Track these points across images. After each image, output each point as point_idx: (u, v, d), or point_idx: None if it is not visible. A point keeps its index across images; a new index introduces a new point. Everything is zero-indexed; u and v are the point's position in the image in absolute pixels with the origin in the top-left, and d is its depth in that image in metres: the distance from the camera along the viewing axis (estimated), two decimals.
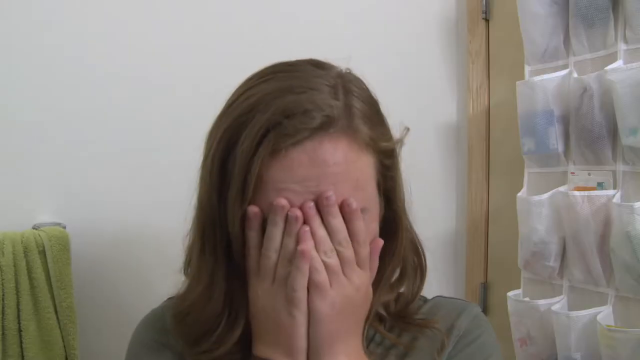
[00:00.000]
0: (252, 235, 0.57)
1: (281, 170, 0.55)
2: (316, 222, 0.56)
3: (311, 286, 0.55)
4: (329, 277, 0.56)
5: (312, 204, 0.55)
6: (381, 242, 0.62)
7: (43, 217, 1.06)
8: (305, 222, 0.55)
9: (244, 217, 0.57)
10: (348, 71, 0.63)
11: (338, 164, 0.55)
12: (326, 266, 0.56)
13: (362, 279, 0.58)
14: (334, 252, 0.57)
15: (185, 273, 0.68)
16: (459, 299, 0.74)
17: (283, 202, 0.55)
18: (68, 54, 1.08)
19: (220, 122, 0.59)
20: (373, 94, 0.63)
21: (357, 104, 0.59)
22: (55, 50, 1.07)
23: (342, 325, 0.57)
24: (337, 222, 0.56)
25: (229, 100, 0.61)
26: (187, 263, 0.68)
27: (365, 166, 0.59)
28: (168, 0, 1.17)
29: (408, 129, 0.65)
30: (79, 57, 1.09)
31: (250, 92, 0.58)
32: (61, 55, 1.07)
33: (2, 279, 0.95)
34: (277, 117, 0.54)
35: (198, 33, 1.19)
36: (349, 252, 0.57)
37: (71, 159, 1.09)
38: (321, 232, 0.56)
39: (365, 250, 0.59)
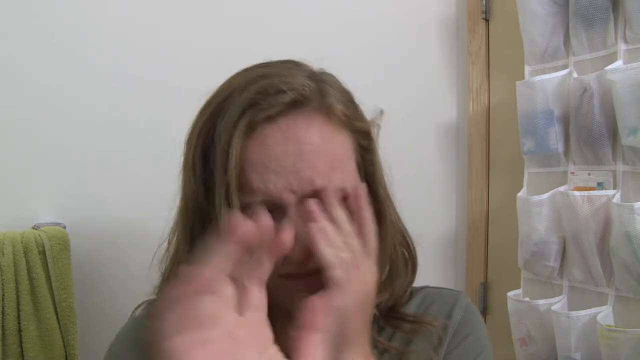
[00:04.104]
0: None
1: (257, 151, 0.54)
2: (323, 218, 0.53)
3: (330, 285, 0.51)
4: (347, 273, 0.52)
5: (313, 200, 0.53)
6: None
7: (43, 217, 1.06)
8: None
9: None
10: (323, 70, 0.63)
11: (312, 142, 0.55)
12: (343, 262, 0.52)
13: (372, 270, 0.55)
14: (346, 246, 0.53)
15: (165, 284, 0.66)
16: (446, 289, 0.72)
17: (267, 222, 0.48)
18: (69, 54, 1.08)
19: (199, 118, 0.60)
20: (347, 88, 0.63)
21: (331, 90, 0.59)
22: (57, 51, 1.07)
23: (358, 323, 0.53)
24: (340, 214, 0.53)
25: (206, 100, 0.61)
26: (168, 273, 0.66)
27: (341, 144, 0.58)
28: (166, 3, 1.17)
29: (382, 111, 0.64)
30: (80, 57, 1.09)
31: (226, 85, 0.59)
32: (62, 55, 1.07)
33: (2, 279, 0.95)
34: (252, 97, 0.55)
35: (201, 36, 1.19)
36: (356, 243, 0.54)
37: (71, 159, 1.08)
38: (330, 228, 0.53)
39: (373, 240, 0.56)
